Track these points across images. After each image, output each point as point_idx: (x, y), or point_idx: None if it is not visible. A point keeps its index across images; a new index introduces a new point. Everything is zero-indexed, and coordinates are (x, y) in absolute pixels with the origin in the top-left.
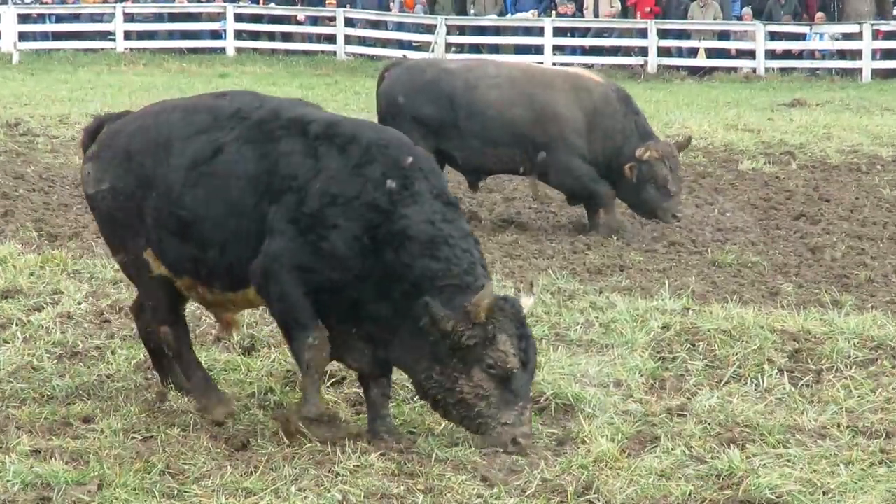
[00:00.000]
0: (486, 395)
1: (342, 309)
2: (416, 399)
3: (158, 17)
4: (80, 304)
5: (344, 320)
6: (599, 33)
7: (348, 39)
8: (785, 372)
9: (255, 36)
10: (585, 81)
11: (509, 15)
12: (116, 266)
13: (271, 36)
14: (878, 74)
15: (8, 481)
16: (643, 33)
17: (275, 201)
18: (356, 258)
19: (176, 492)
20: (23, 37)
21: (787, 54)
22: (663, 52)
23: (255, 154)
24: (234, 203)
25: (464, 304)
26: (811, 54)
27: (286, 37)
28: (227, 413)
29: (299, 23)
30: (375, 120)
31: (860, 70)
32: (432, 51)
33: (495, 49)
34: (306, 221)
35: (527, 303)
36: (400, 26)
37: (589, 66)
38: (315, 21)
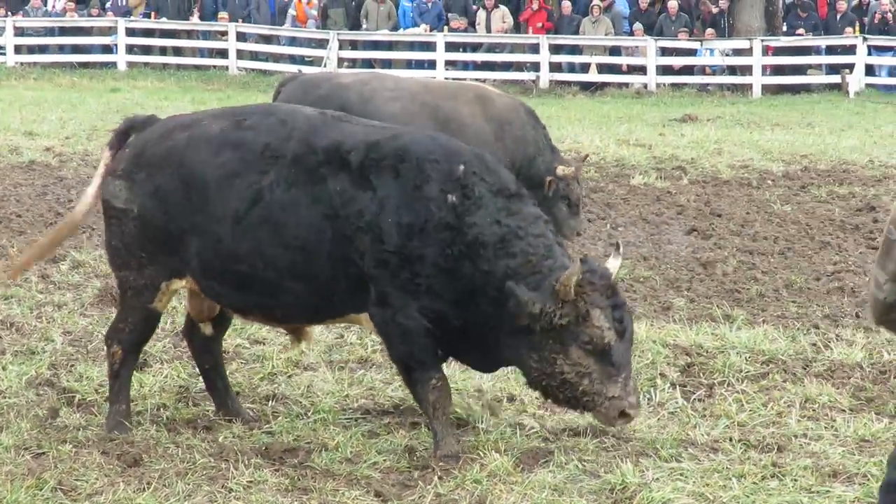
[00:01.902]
0: (587, 373)
1: (453, 333)
2: (309, 414)
3: (49, 32)
4: None
5: (456, 341)
6: (492, 48)
7: (240, 54)
8: (677, 386)
9: (146, 50)
10: (489, 92)
11: (402, 30)
12: (9, 281)
13: (163, 50)
14: (768, 90)
15: None
16: (535, 49)
17: (352, 246)
18: (446, 283)
19: None
20: None
21: (679, 70)
22: (555, 67)
23: (307, 199)
24: (301, 252)
25: (552, 284)
26: (702, 70)
27: (178, 51)
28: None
29: (191, 37)
30: None
31: (750, 86)
32: (324, 66)
33: (388, 64)
34: (394, 261)
35: (614, 265)
36: (292, 41)
37: (482, 82)
38: (207, 35)
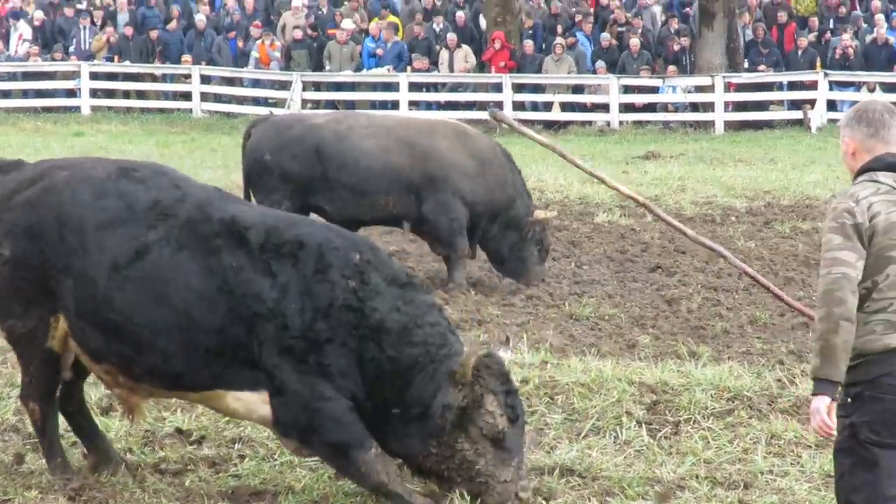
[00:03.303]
0: (482, 455)
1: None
2: (275, 457)
3: (12, 76)
4: None
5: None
6: (455, 88)
7: (204, 96)
8: (643, 424)
9: (110, 94)
10: (468, 130)
11: (365, 70)
12: None
13: (126, 94)
14: (731, 126)
15: None
16: (498, 87)
17: (249, 333)
18: (354, 365)
19: None
20: None
21: (642, 107)
22: (518, 105)
23: (198, 266)
24: (185, 317)
25: (449, 370)
26: (664, 107)
27: (141, 94)
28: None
29: (155, 80)
30: (240, 177)
31: (713, 122)
32: (288, 107)
33: (351, 105)
34: (300, 346)
35: (505, 356)
36: (256, 83)
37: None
38: (171, 78)
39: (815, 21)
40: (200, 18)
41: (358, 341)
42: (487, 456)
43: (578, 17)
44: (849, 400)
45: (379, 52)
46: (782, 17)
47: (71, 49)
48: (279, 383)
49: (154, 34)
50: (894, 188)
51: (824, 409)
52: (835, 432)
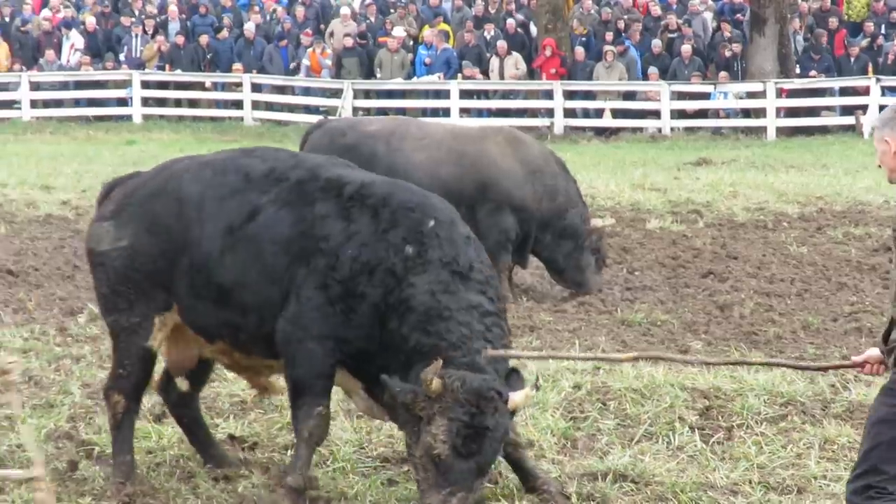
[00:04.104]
0: (422, 468)
1: (367, 376)
2: (328, 463)
3: (64, 86)
4: None
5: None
6: (506, 95)
7: (255, 105)
8: (696, 429)
9: (161, 102)
10: (520, 136)
11: (416, 78)
12: (25, 335)
13: (178, 102)
14: (782, 132)
15: None
16: (549, 94)
17: (304, 264)
18: (377, 327)
19: None
20: None
21: (693, 113)
22: (569, 113)
23: (293, 217)
24: (270, 268)
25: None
26: (716, 113)
27: (193, 103)
28: None
29: (206, 89)
30: None
31: (764, 128)
32: (339, 115)
33: (402, 112)
34: (336, 289)
35: (516, 395)
36: (307, 91)
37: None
38: (222, 87)
39: (870, 26)
40: (249, 27)
41: (385, 307)
42: (426, 473)
43: (629, 24)
44: None
45: (427, 60)
46: (833, 22)
47: (122, 58)
48: (294, 311)
49: (204, 40)
50: None
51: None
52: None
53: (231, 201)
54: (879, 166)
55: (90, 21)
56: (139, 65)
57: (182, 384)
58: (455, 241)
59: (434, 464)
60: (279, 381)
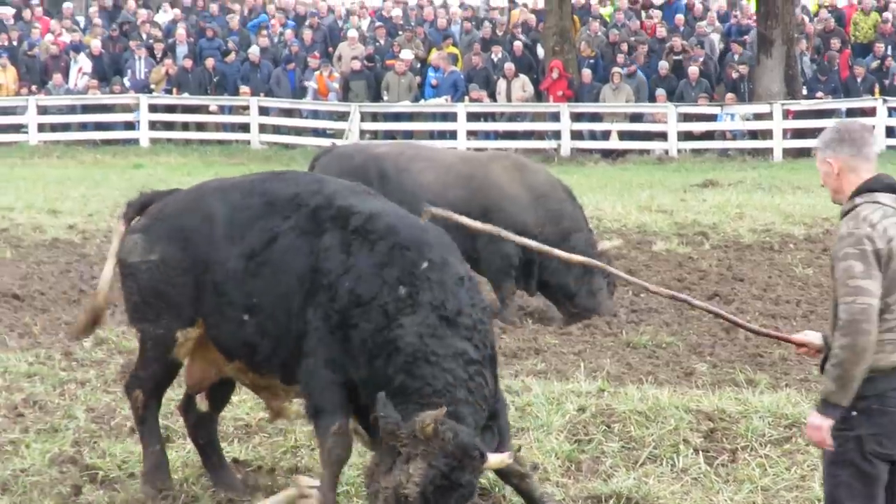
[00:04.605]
0: (385, 501)
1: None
2: None
3: (71, 109)
4: None
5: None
6: (512, 118)
7: (262, 128)
8: (700, 451)
9: (168, 126)
10: (527, 162)
11: (423, 101)
12: (30, 360)
13: (185, 126)
14: (789, 154)
15: None
16: (556, 117)
17: (313, 299)
18: (366, 360)
19: None
20: None
21: (700, 135)
22: (576, 135)
23: (306, 248)
24: (284, 298)
25: (417, 415)
26: (722, 135)
27: (200, 126)
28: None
29: (211, 112)
30: None
31: (771, 150)
32: (346, 138)
33: (409, 135)
34: (335, 319)
35: (494, 457)
36: (314, 114)
37: (503, 150)
38: (229, 110)
39: (880, 47)
40: (254, 51)
41: (373, 344)
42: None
43: (635, 46)
44: (854, 413)
45: (434, 82)
46: (836, 44)
47: (128, 81)
48: (308, 341)
49: (210, 63)
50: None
51: (827, 430)
52: (831, 446)
53: (255, 224)
54: (823, 185)
55: (95, 44)
56: (143, 87)
57: (202, 405)
58: (445, 285)
59: (396, 501)
60: (293, 405)
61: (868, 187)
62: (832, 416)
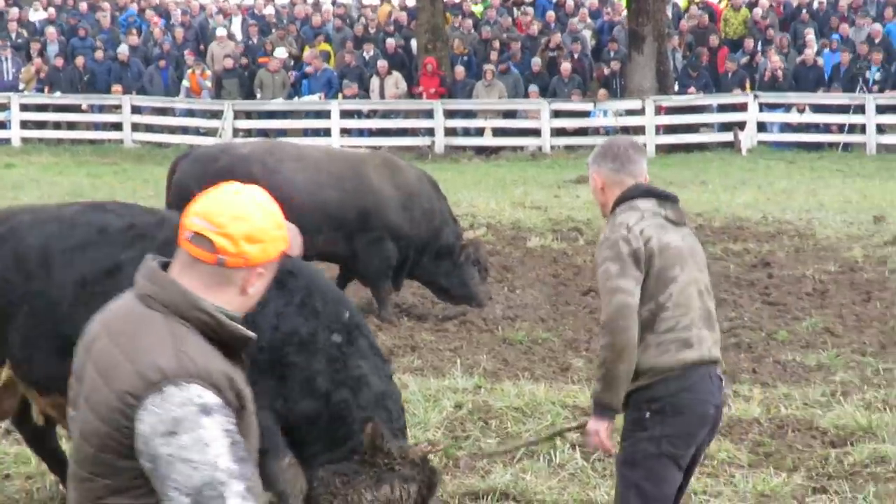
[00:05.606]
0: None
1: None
2: None
3: None
4: None
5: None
6: (386, 115)
7: (135, 127)
8: (577, 447)
9: (40, 125)
10: (396, 161)
11: (296, 99)
12: None
13: (57, 125)
14: (661, 149)
15: None
16: (429, 114)
17: None
18: (312, 397)
19: None
20: None
21: (573, 131)
22: (450, 132)
23: None
24: None
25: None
26: (595, 131)
27: (72, 125)
28: None
29: (83, 111)
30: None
31: (644, 145)
32: (220, 136)
33: (283, 133)
34: (263, 358)
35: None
36: (189, 112)
37: (377, 148)
38: (99, 109)
39: (749, 42)
40: (122, 49)
41: (330, 383)
42: None
43: (508, 43)
44: (647, 415)
45: (309, 70)
46: (714, 40)
47: None
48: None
49: (80, 62)
50: (657, 212)
51: (605, 432)
52: (614, 450)
53: (83, 254)
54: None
55: None
56: (11, 87)
57: (39, 419)
58: (367, 327)
59: None
60: None
61: (625, 196)
62: (607, 417)
